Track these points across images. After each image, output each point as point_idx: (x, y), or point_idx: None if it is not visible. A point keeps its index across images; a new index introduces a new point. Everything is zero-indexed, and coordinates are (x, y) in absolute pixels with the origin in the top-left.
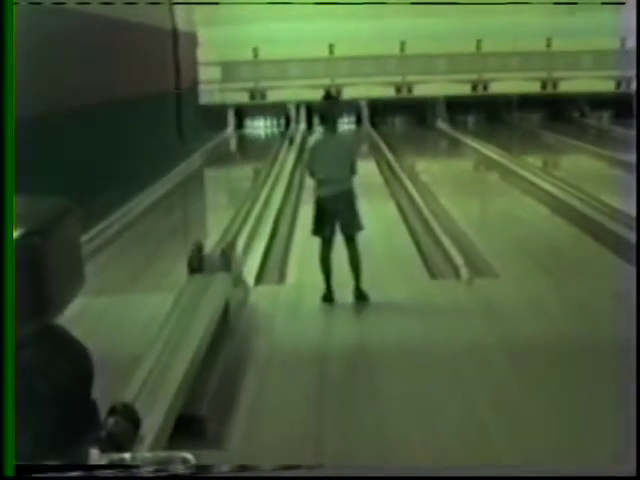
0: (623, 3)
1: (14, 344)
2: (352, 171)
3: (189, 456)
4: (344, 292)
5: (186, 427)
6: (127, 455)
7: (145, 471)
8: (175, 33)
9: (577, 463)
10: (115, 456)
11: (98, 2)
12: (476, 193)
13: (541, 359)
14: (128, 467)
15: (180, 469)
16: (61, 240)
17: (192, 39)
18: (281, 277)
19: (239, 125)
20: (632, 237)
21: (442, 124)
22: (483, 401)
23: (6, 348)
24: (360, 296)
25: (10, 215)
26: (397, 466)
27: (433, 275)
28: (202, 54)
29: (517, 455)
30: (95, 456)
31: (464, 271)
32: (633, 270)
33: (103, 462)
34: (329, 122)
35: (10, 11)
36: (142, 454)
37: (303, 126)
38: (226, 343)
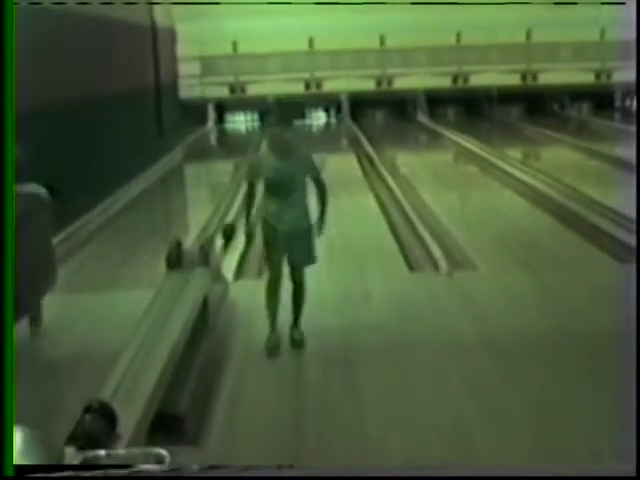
0: (623, 3)
1: (13, 345)
2: None
3: (163, 453)
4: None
5: (164, 424)
6: (102, 452)
7: (146, 471)
8: (154, 28)
9: (577, 463)
10: (90, 453)
11: (98, 2)
12: (456, 186)
13: (520, 352)
14: (127, 467)
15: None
16: (30, 236)
17: (171, 34)
18: (260, 272)
19: (219, 119)
20: (611, 229)
21: (422, 117)
22: (462, 394)
23: (6, 349)
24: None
25: (10, 213)
26: (367, 466)
27: (412, 268)
28: (181, 49)
29: (498, 451)
30: (71, 454)
31: (443, 264)
32: (613, 262)
33: (78, 460)
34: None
35: (10, 11)
36: (116, 451)
37: None
38: (205, 339)
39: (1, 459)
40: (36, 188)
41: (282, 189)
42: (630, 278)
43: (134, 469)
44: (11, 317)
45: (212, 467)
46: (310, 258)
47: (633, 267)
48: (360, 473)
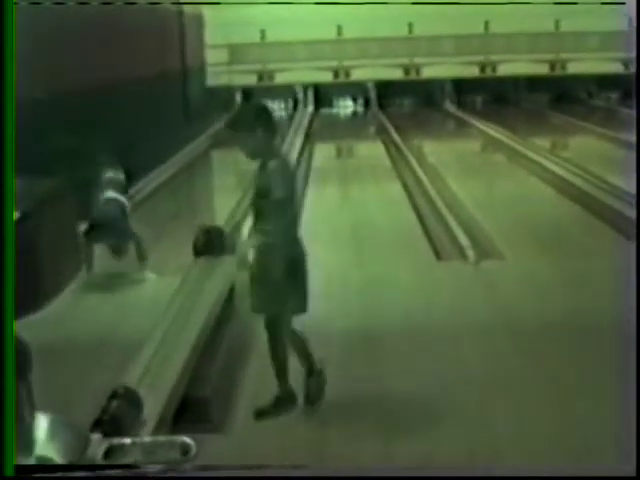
0: (623, 3)
1: (14, 345)
2: None
3: (189, 441)
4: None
5: (189, 410)
6: (127, 440)
7: (146, 471)
8: (181, 14)
9: (577, 463)
10: (115, 440)
11: (98, 2)
12: (483, 174)
13: (547, 342)
14: (127, 467)
15: (181, 464)
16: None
17: (198, 20)
18: None
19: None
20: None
21: (450, 106)
22: (485, 383)
23: (6, 349)
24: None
25: (10, 211)
26: (365, 467)
27: (439, 257)
28: (209, 36)
29: (516, 439)
30: (96, 440)
31: (470, 253)
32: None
33: (104, 446)
34: None
35: (10, 11)
36: (142, 439)
37: (311, 108)
38: (231, 325)
39: (1, 459)
40: (116, 174)
41: (255, 207)
42: None
43: (136, 469)
44: (11, 316)
45: (211, 467)
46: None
47: None
48: (361, 473)
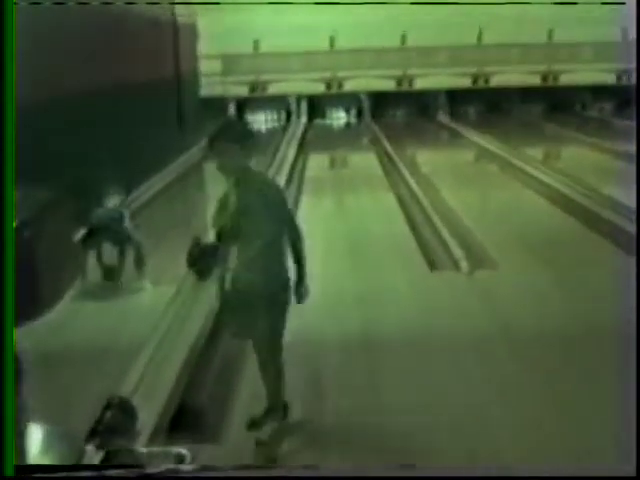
0: (623, 3)
1: (14, 345)
2: None
3: (184, 452)
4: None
5: (185, 418)
6: (122, 450)
7: (146, 472)
8: (175, 24)
9: (577, 463)
10: (110, 451)
11: (99, 2)
12: (476, 185)
13: (542, 346)
14: (127, 467)
15: (181, 467)
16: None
17: (193, 30)
18: None
19: (239, 118)
20: (631, 228)
21: (443, 117)
22: (484, 386)
23: (6, 350)
24: None
25: (10, 212)
26: (380, 466)
27: (433, 267)
28: (202, 46)
29: (516, 439)
30: (91, 451)
31: (464, 264)
32: (632, 261)
33: (98, 457)
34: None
35: (10, 11)
36: (136, 450)
37: (304, 119)
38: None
39: (1, 459)
40: (114, 185)
41: (234, 230)
42: None
43: (137, 469)
44: (11, 318)
45: (211, 468)
46: (262, 332)
47: None
48: (360, 473)
